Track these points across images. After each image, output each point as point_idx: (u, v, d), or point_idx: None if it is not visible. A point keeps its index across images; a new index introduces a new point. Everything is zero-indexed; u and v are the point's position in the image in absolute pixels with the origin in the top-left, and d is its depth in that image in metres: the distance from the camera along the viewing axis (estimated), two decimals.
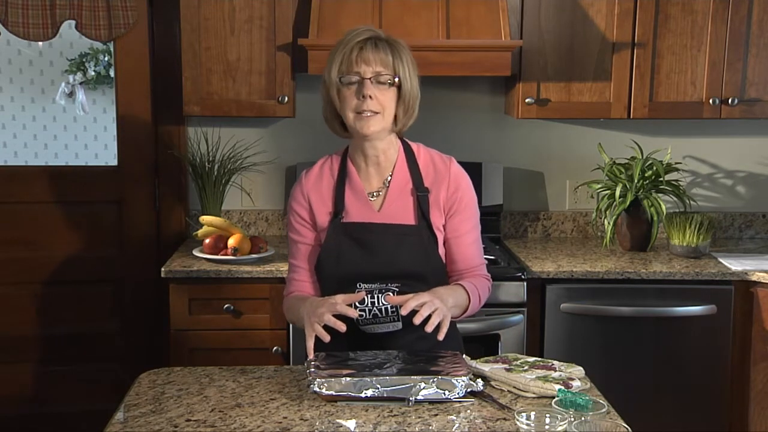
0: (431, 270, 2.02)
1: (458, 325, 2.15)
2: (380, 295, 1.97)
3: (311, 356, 1.86)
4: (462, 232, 2.07)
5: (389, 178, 2.05)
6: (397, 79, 1.96)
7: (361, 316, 1.97)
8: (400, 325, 1.99)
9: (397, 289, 1.98)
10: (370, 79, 1.93)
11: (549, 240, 3.55)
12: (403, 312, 1.85)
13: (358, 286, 1.99)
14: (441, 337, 1.86)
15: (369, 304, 1.97)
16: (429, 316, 1.84)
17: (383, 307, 1.96)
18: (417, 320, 1.83)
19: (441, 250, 2.05)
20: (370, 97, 1.94)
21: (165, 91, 3.37)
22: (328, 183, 2.07)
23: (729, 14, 3.16)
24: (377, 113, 1.95)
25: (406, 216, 2.03)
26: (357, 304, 1.97)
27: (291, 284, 2.12)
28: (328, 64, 1.99)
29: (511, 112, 3.33)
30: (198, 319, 2.96)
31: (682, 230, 3.16)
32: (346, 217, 2.03)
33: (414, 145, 2.10)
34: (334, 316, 1.87)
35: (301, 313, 1.96)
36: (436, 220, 2.04)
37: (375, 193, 2.05)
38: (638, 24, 3.15)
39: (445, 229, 2.06)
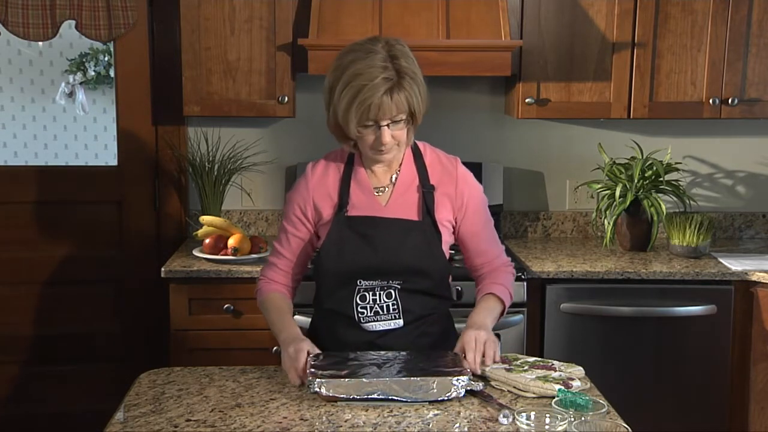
0: (434, 266, 2.02)
1: (458, 326, 2.14)
2: (381, 293, 1.97)
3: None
4: (478, 229, 2.10)
5: (396, 174, 2.06)
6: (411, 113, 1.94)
7: (362, 313, 1.98)
8: (401, 322, 2.00)
9: (399, 287, 1.99)
10: (387, 125, 1.91)
11: (549, 240, 3.55)
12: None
13: (358, 282, 1.99)
14: (492, 361, 1.92)
15: (371, 302, 1.98)
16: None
17: (384, 305, 1.98)
18: (477, 370, 1.89)
19: (445, 247, 2.06)
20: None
21: (165, 91, 3.37)
22: (335, 176, 2.06)
23: (729, 14, 3.16)
24: (394, 146, 1.97)
25: (411, 212, 2.04)
26: (359, 301, 1.99)
27: (269, 269, 2.12)
28: (341, 107, 1.91)
29: (511, 112, 3.33)
30: (198, 319, 2.96)
31: (682, 230, 3.15)
32: (351, 211, 2.03)
33: (421, 145, 2.11)
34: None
35: (283, 355, 1.91)
36: (442, 216, 2.04)
37: (381, 189, 2.06)
38: (638, 24, 3.15)
39: (459, 230, 2.08)
